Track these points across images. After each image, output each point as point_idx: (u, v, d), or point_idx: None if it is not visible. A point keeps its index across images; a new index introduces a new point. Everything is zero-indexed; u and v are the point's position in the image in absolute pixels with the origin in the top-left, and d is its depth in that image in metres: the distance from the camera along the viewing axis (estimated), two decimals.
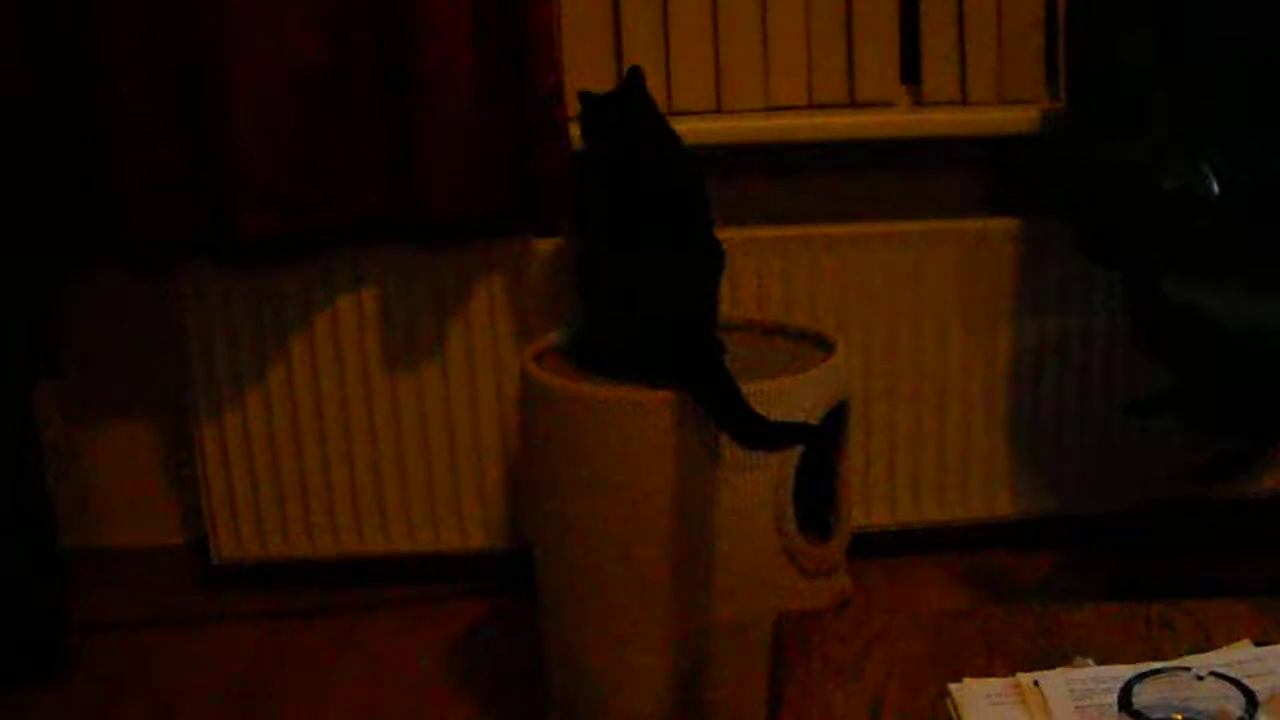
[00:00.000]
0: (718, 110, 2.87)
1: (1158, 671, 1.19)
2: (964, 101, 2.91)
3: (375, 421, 2.90)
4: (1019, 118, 2.85)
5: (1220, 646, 1.44)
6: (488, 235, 2.79)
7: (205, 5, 2.51)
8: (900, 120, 2.89)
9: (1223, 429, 2.57)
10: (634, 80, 2.45)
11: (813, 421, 2.29)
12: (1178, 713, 1.17)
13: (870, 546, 2.93)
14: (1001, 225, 2.89)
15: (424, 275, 2.82)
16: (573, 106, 2.66)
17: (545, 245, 2.81)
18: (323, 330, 2.85)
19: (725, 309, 2.53)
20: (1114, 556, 3.03)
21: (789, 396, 2.25)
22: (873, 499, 2.98)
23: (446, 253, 2.81)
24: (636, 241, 2.34)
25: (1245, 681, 1.16)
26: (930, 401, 2.95)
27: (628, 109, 2.46)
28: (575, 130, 2.60)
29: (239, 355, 2.85)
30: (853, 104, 2.90)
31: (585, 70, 2.76)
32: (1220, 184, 2.14)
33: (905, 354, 2.92)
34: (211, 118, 2.57)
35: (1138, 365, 2.91)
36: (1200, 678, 1.18)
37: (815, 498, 2.42)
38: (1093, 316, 2.91)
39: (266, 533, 2.95)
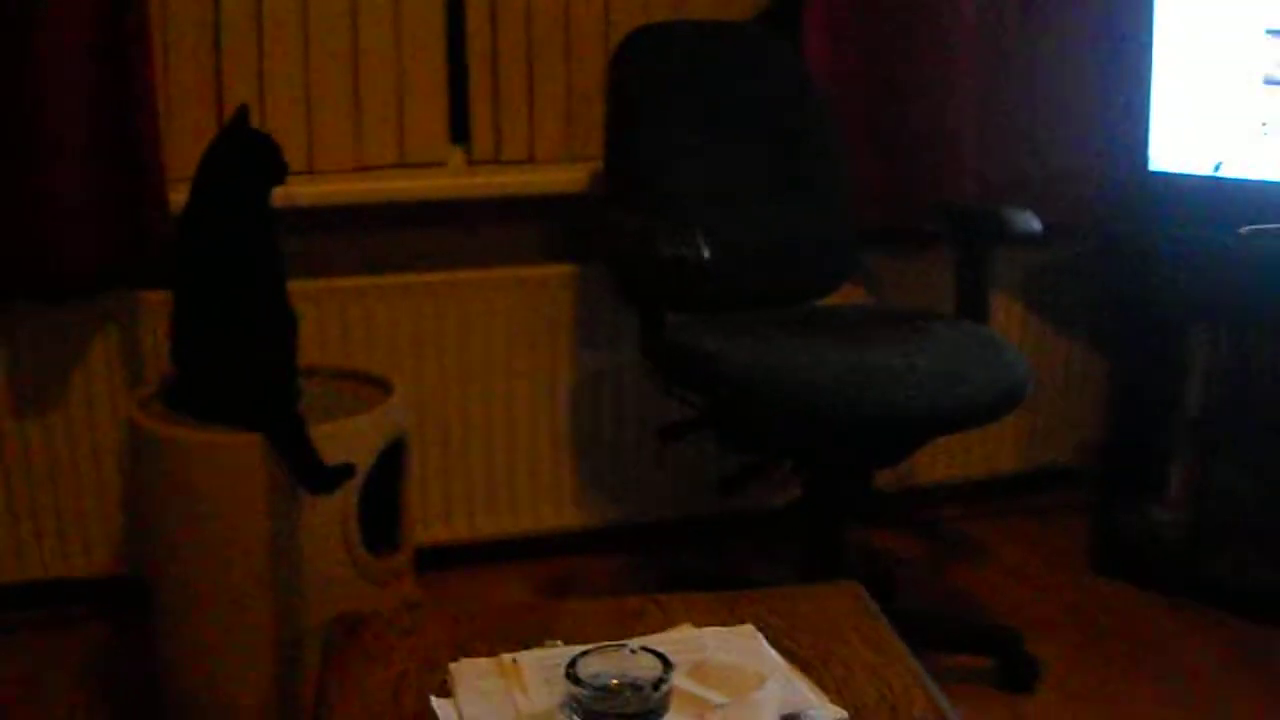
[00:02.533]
0: (310, 171, 3.12)
1: (603, 648, 1.55)
2: (531, 160, 3.27)
3: (6, 462, 3.02)
4: (574, 178, 3.22)
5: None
6: (104, 289, 2.96)
7: None
8: (476, 181, 3.21)
9: (737, 449, 2.94)
10: (237, 123, 2.53)
11: (372, 454, 2.55)
12: (615, 679, 1.51)
13: (454, 558, 3.28)
14: (560, 271, 3.25)
15: (47, 326, 2.98)
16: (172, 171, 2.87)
17: (156, 297, 2.97)
18: None
19: (306, 355, 2.72)
20: (669, 557, 3.44)
21: (349, 436, 2.52)
22: (454, 514, 3.30)
23: (66, 306, 2.96)
24: (216, 298, 2.50)
25: (670, 654, 1.52)
26: (502, 426, 3.29)
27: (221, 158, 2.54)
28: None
29: None
30: (431, 164, 3.22)
31: (189, 136, 2.95)
32: (712, 248, 2.47)
33: (479, 385, 3.25)
34: None
35: None
36: (633, 652, 1.55)
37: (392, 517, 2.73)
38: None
39: None
